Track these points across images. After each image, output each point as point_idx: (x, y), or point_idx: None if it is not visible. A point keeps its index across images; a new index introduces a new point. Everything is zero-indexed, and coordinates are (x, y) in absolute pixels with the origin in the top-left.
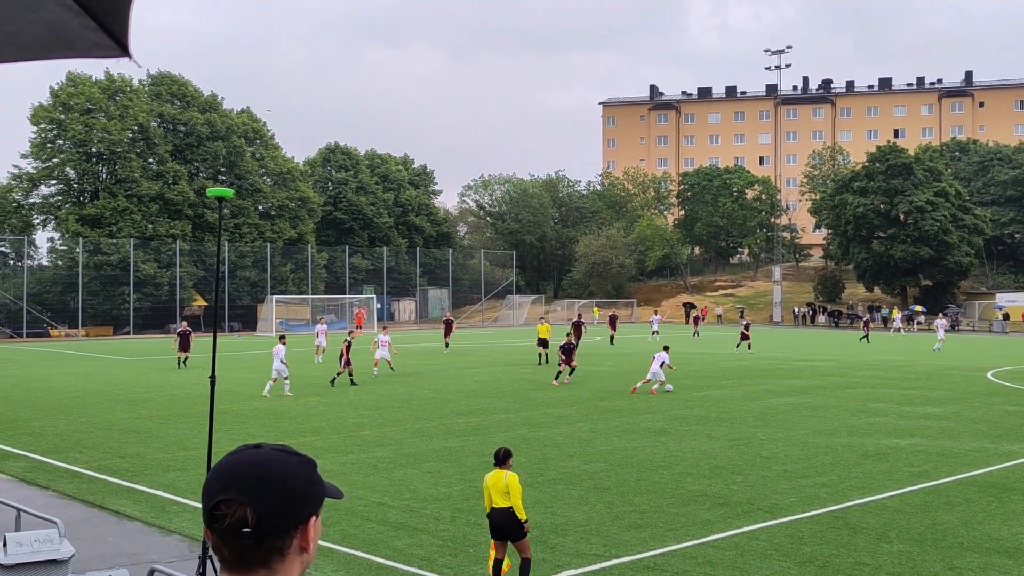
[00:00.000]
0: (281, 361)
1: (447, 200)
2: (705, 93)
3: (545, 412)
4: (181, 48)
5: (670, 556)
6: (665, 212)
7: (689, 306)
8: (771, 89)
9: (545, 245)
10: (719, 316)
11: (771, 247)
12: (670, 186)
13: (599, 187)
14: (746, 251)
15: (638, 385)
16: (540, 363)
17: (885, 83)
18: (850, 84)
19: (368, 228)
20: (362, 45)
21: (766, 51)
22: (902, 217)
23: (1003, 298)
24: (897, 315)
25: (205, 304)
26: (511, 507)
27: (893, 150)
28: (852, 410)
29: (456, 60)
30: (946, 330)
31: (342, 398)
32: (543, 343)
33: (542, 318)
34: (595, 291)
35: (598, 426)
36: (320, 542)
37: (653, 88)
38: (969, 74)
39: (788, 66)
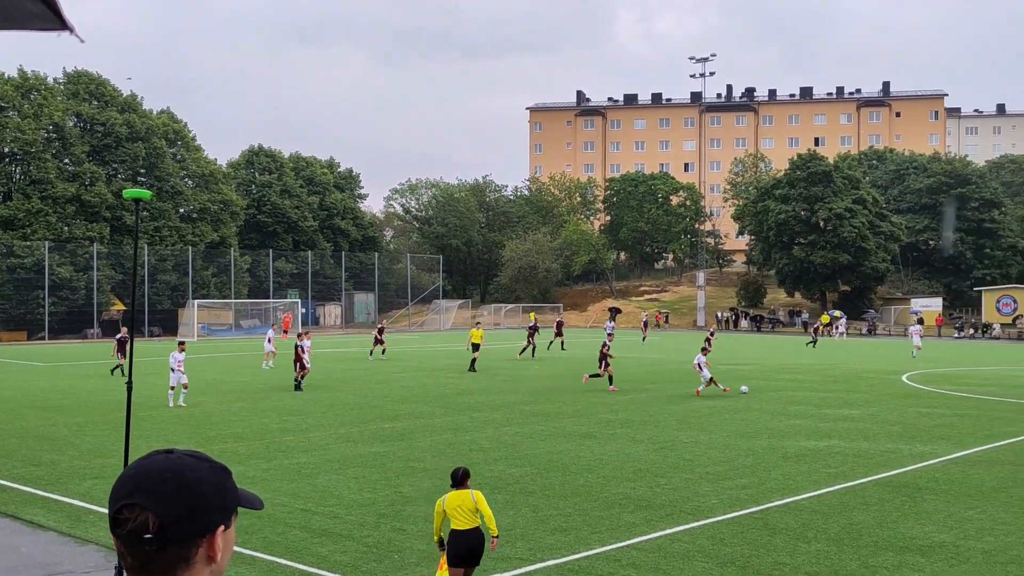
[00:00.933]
0: (174, 369)
1: (373, 204)
2: (631, 100)
3: (471, 416)
4: (98, 46)
5: (594, 559)
6: (591, 217)
7: (615, 311)
8: (696, 96)
9: (472, 250)
10: (644, 321)
11: (695, 253)
12: (596, 191)
13: (526, 192)
14: (671, 256)
15: (700, 388)
16: (472, 368)
17: (806, 92)
18: (772, 93)
19: (292, 232)
20: (286, 46)
21: (691, 59)
22: (822, 224)
23: (918, 303)
24: (842, 319)
25: (123, 308)
26: (478, 527)
27: (813, 158)
28: (773, 413)
29: (383, 63)
30: (867, 333)
31: (266, 403)
32: (475, 348)
33: (477, 323)
34: (522, 296)
35: (524, 430)
36: (242, 550)
37: (580, 94)
38: (886, 84)
39: (712, 74)
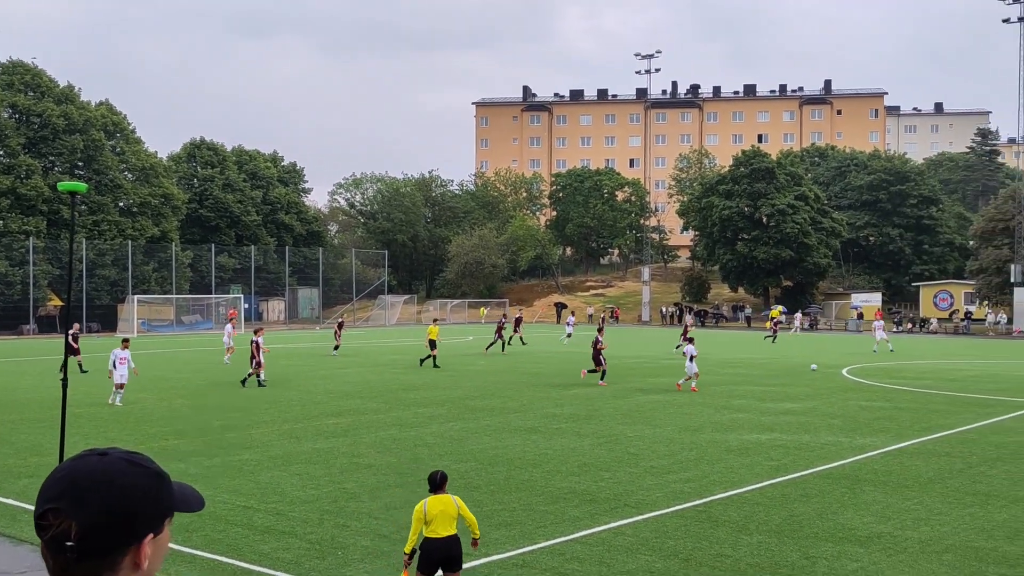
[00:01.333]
0: (117, 366)
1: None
2: (577, 95)
3: (416, 412)
4: (34, 36)
5: (539, 553)
6: (537, 213)
7: (560, 306)
8: (641, 93)
9: (417, 245)
10: (590, 316)
11: (640, 248)
12: (542, 187)
13: (472, 187)
14: (616, 252)
15: (681, 382)
16: (423, 364)
17: (750, 90)
18: (717, 90)
19: (235, 226)
20: (229, 38)
21: (636, 55)
22: (765, 220)
23: (858, 298)
24: (797, 315)
25: (61, 304)
26: (456, 534)
27: (757, 155)
28: (716, 407)
29: (328, 56)
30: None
31: (208, 400)
32: (432, 344)
33: (435, 320)
34: (468, 291)
35: (469, 425)
36: (182, 548)
37: (526, 89)
38: (828, 83)
39: (658, 71)
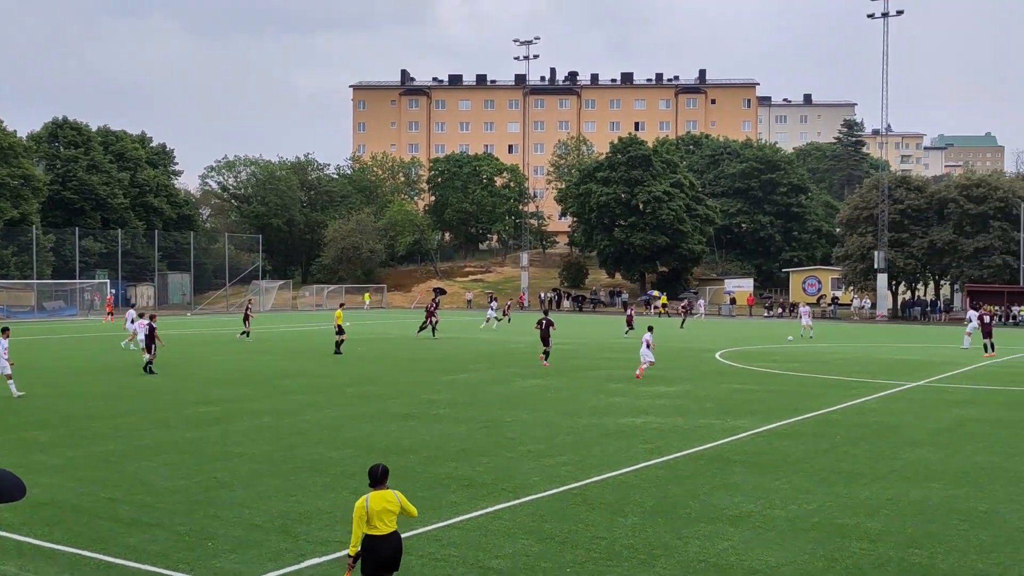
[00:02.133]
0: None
1: (189, 181)
2: (456, 80)
3: (291, 399)
4: None
5: (416, 539)
6: (415, 198)
7: (439, 291)
8: (520, 79)
9: (293, 229)
10: (468, 301)
11: (519, 234)
12: (420, 172)
13: (349, 171)
14: (495, 237)
15: (639, 372)
16: (338, 351)
17: (627, 78)
18: (595, 77)
19: (101, 209)
20: (95, 14)
21: (515, 41)
22: (641, 206)
23: (731, 284)
24: (700, 301)
25: None
26: (397, 530)
27: (633, 142)
28: (593, 391)
29: (200, 37)
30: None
31: (74, 388)
32: (340, 330)
33: (342, 304)
34: (345, 276)
35: (346, 412)
36: (41, 542)
37: (404, 73)
38: (703, 72)
39: (536, 57)
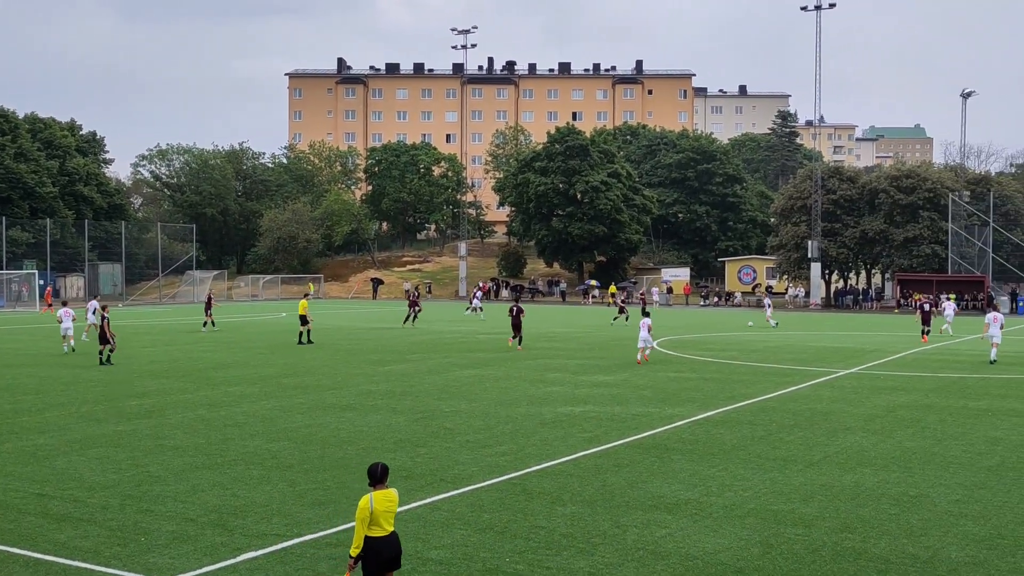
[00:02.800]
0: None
1: (120, 170)
2: (393, 69)
3: (226, 391)
4: None
5: (352, 531)
6: (353, 187)
7: (376, 281)
8: (458, 68)
9: (228, 219)
10: (406, 291)
11: (457, 223)
12: (358, 161)
13: (285, 160)
14: (433, 227)
15: (640, 357)
16: (301, 341)
17: (565, 68)
18: (532, 67)
19: (29, 198)
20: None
21: (453, 30)
22: (579, 196)
23: (668, 273)
24: (654, 290)
25: None
26: (395, 531)
27: (571, 132)
28: (531, 380)
29: (129, 21)
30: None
31: (0, 381)
32: (303, 320)
33: (306, 295)
34: (281, 266)
35: (282, 404)
36: None
37: (341, 61)
38: (640, 63)
39: (474, 46)
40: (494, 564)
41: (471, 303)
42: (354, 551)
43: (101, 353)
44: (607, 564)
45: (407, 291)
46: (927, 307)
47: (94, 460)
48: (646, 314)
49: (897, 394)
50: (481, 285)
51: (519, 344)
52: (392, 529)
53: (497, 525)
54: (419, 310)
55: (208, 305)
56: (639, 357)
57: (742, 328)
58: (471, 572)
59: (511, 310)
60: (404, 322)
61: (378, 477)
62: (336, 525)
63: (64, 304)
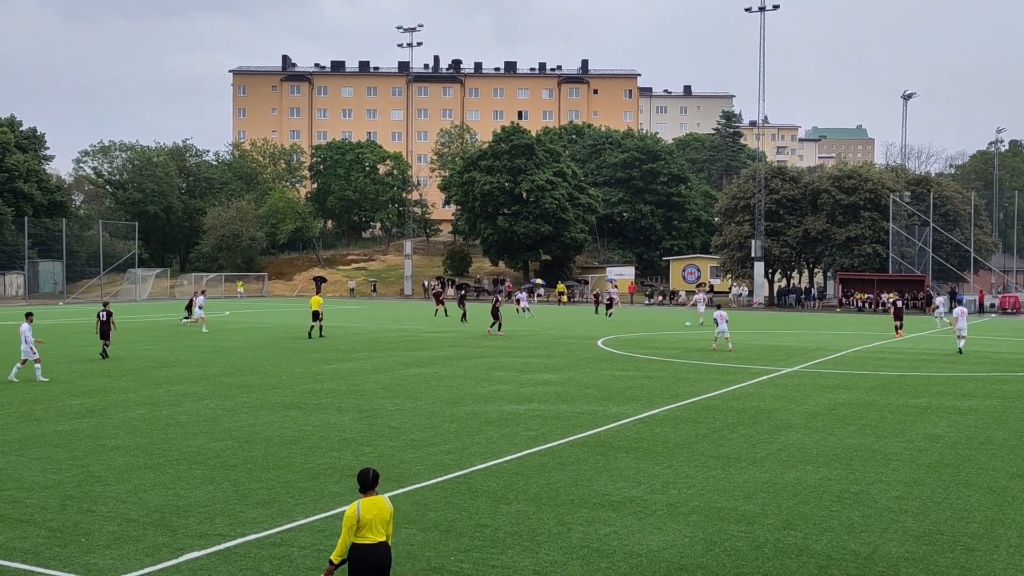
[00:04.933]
0: (27, 343)
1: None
2: (339, 67)
3: (168, 390)
4: None
5: (297, 531)
6: (297, 185)
7: (320, 280)
8: (404, 66)
9: (171, 216)
10: (351, 290)
11: (403, 222)
12: (302, 159)
13: (229, 158)
14: (378, 225)
15: (715, 346)
16: (311, 336)
17: (511, 67)
18: (478, 66)
19: None
20: None
21: (399, 28)
22: (525, 195)
23: (613, 272)
24: (613, 290)
25: None
26: (385, 540)
27: (517, 131)
28: (477, 379)
29: (70, 17)
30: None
31: None
32: (315, 315)
33: (317, 289)
34: (225, 264)
35: (225, 403)
36: None
37: (286, 59)
38: (585, 63)
39: (420, 44)
40: (439, 563)
41: (518, 305)
42: (335, 557)
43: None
44: (552, 562)
45: (426, 286)
46: (899, 304)
47: (34, 460)
48: (719, 306)
49: (839, 392)
50: (507, 285)
51: (499, 331)
52: (383, 539)
53: (442, 524)
54: (445, 307)
55: (192, 303)
56: (715, 345)
57: (684, 326)
58: (416, 571)
59: (495, 303)
60: (435, 314)
61: (369, 483)
62: (280, 524)
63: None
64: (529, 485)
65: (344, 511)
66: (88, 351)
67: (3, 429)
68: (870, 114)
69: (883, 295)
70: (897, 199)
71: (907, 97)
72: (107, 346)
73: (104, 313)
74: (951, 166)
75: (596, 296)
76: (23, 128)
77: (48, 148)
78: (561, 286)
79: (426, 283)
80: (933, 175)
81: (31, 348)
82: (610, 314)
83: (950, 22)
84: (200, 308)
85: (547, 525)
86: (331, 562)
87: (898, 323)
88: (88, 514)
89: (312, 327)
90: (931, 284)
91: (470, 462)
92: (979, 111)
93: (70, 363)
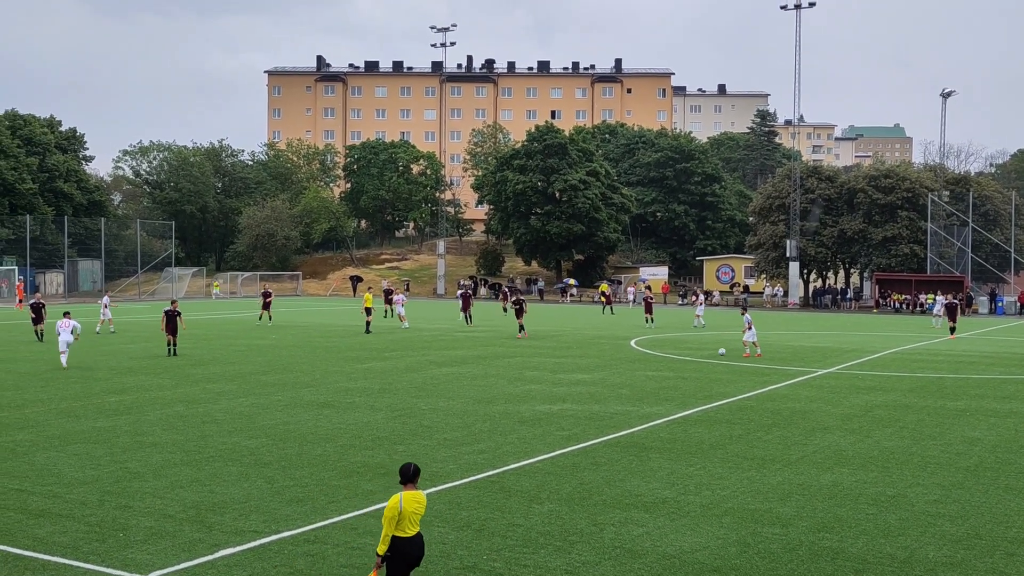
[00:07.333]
0: (68, 337)
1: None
2: (372, 67)
3: (204, 388)
4: None
5: (331, 528)
6: (331, 184)
7: (356, 279)
8: (437, 66)
9: (207, 216)
10: (384, 289)
11: (436, 221)
12: (336, 158)
13: (264, 158)
14: (412, 225)
15: (747, 352)
16: (368, 331)
17: (544, 66)
18: (511, 65)
19: (9, 195)
20: None
21: (432, 28)
22: (557, 195)
23: (646, 272)
24: (631, 289)
25: None
26: (420, 532)
27: (550, 131)
28: (509, 378)
29: (110, 17)
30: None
31: None
32: (368, 311)
33: (370, 288)
34: (259, 263)
35: (260, 401)
36: None
37: (320, 59)
38: (619, 61)
39: (453, 44)
40: (471, 562)
41: (631, 299)
42: (381, 549)
43: (170, 344)
44: (584, 562)
45: (460, 284)
46: (953, 303)
47: (73, 456)
48: (744, 309)
49: (875, 394)
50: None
51: (521, 330)
52: (418, 531)
53: (475, 522)
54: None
55: (267, 298)
56: (747, 351)
57: (719, 326)
58: (448, 570)
59: (516, 303)
60: (468, 323)
61: (410, 476)
62: (314, 522)
63: (66, 315)
64: (562, 485)
65: (383, 505)
66: (127, 349)
67: (44, 425)
68: (908, 112)
69: (920, 296)
70: (935, 198)
71: (946, 95)
72: (174, 343)
73: (171, 311)
74: (991, 165)
75: (605, 296)
76: (63, 128)
77: (87, 148)
78: (604, 285)
79: (460, 283)
80: (973, 174)
81: (67, 342)
82: (650, 319)
83: (991, 15)
84: (106, 307)
85: (580, 525)
86: (379, 555)
87: (952, 324)
88: (126, 510)
89: (368, 322)
90: (970, 285)
91: (503, 461)
92: (1021, 108)
93: (108, 360)
